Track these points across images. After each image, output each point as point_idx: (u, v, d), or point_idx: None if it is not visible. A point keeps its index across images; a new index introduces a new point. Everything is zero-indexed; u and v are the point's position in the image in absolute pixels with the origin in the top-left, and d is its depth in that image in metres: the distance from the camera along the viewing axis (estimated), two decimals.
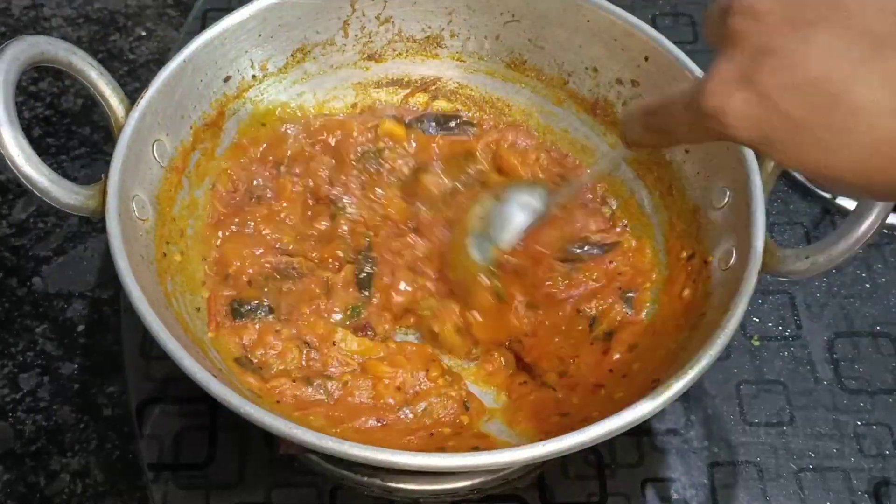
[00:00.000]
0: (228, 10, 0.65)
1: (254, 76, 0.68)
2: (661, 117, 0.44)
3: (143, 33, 0.90)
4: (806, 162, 0.36)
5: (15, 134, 0.50)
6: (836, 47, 0.34)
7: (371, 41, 0.72)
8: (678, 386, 0.48)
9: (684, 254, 0.63)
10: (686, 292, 0.60)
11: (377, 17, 0.71)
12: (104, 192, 0.54)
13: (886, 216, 0.50)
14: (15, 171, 0.50)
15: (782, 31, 0.35)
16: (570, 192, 0.67)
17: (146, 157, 0.59)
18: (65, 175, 0.50)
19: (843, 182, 0.36)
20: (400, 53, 0.73)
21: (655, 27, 0.65)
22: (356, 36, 0.71)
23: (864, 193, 0.37)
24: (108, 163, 0.55)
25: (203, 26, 0.64)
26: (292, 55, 0.69)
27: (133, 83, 0.85)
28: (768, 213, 0.55)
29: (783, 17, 0.35)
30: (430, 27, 0.72)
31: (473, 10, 0.71)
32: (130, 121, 0.57)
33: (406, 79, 0.74)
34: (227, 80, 0.66)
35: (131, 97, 0.58)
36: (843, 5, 0.34)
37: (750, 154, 0.57)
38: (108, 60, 0.87)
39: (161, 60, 0.62)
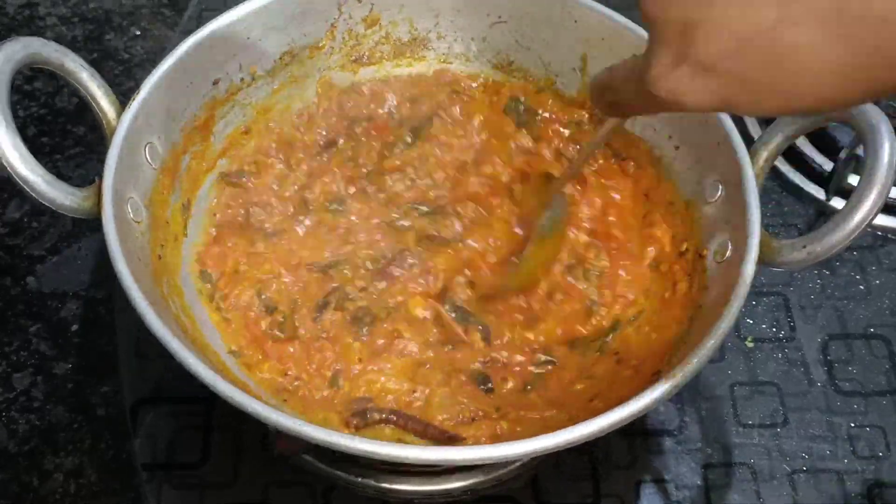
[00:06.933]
0: (224, 10, 0.65)
1: (242, 79, 0.69)
2: (615, 96, 0.45)
3: (138, 32, 0.91)
4: (769, 109, 0.37)
5: (11, 135, 0.51)
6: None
7: (358, 44, 0.73)
8: (680, 376, 0.49)
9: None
10: (682, 286, 0.61)
11: (364, 20, 0.72)
12: (99, 194, 0.55)
13: (881, 205, 0.51)
14: (11, 172, 0.52)
15: (695, 1, 0.35)
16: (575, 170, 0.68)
17: (139, 159, 0.60)
18: (59, 174, 0.51)
19: (808, 111, 0.40)
20: (386, 56, 0.74)
21: None
22: (343, 39, 0.73)
23: (829, 111, 0.40)
24: (102, 162, 0.56)
25: (198, 26, 0.64)
26: (280, 58, 0.70)
27: (128, 82, 0.86)
28: (762, 215, 0.56)
29: None
30: (416, 29, 0.74)
31: (460, 12, 0.73)
32: (123, 123, 0.58)
33: (392, 81, 0.75)
34: (215, 83, 0.67)
35: (126, 96, 0.59)
36: None
37: (741, 147, 0.58)
38: (103, 60, 0.88)
39: (156, 60, 0.62)
